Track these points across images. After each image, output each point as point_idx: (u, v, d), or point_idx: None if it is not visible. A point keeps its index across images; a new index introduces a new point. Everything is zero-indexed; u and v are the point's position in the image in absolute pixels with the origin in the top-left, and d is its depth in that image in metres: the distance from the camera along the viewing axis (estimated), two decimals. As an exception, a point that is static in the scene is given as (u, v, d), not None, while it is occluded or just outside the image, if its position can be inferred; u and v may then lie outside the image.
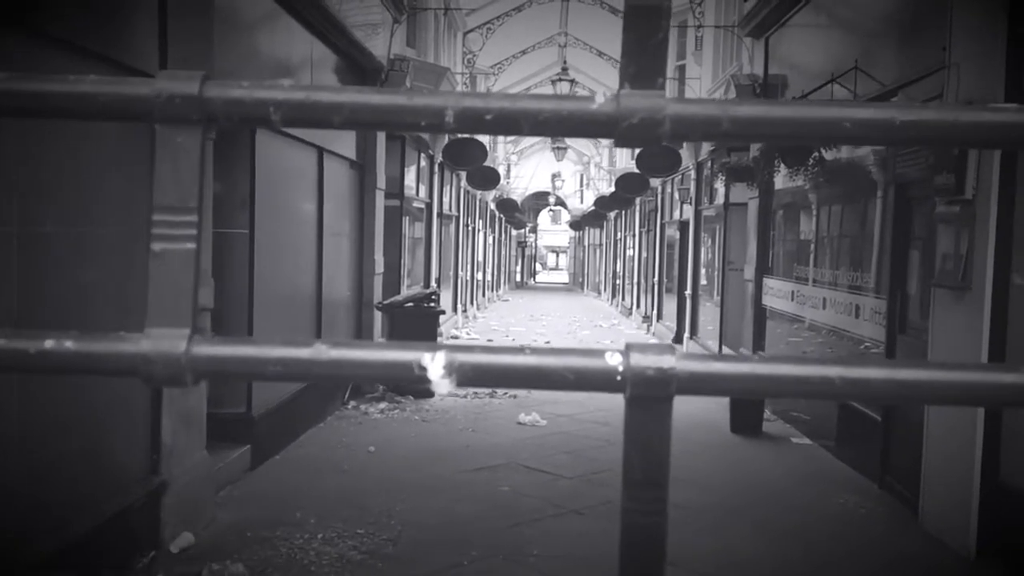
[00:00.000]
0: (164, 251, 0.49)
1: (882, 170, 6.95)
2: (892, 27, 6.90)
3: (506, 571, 4.70)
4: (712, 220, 13.72)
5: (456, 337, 16.25)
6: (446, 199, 16.88)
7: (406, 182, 12.63)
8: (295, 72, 7.51)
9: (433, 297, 11.09)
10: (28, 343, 0.49)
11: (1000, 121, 0.45)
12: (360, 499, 5.75)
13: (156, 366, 0.48)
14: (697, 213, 14.45)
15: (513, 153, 28.41)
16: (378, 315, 10.36)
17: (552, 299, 31.97)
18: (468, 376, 0.48)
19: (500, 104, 0.48)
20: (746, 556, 5.03)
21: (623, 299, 25.84)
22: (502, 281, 33.59)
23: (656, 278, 19.19)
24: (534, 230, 48.96)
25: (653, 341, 16.41)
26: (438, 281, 15.38)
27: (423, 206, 14.61)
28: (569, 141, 25.48)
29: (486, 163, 16.00)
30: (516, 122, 0.48)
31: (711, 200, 13.64)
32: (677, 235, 16.69)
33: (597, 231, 35.73)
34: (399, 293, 11.67)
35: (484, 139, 18.02)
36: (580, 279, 44.13)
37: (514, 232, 39.29)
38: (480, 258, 24.58)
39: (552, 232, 56.34)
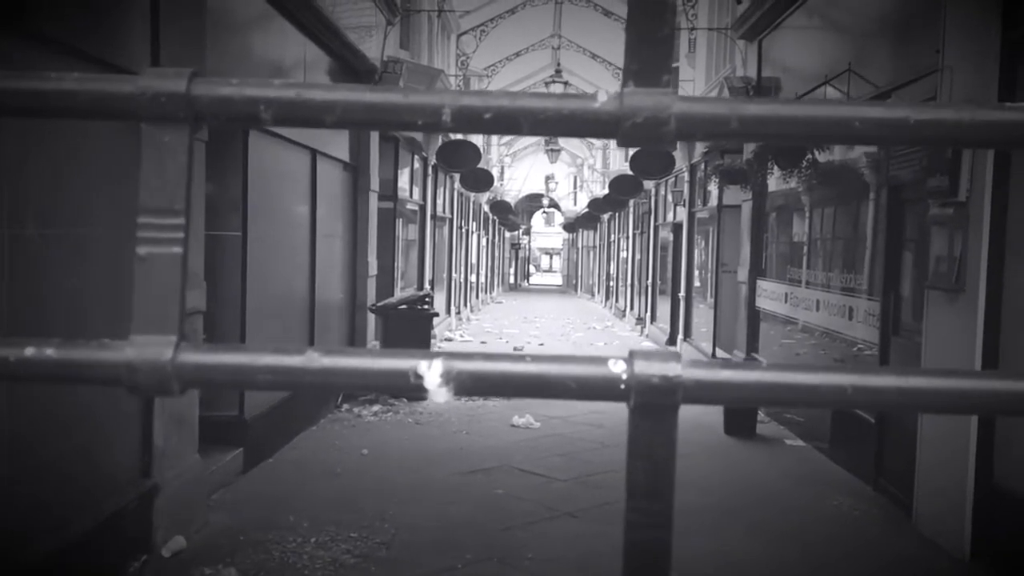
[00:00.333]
0: (150, 255, 0.48)
1: (875, 172, 6.96)
2: (885, 29, 6.91)
3: (500, 574, 4.69)
4: (706, 222, 13.72)
5: (450, 339, 16.22)
6: (440, 201, 16.86)
7: (400, 184, 12.61)
8: (288, 74, 7.48)
9: (427, 299, 11.07)
10: (8, 351, 0.47)
11: (1020, 120, 0.44)
12: (353, 502, 5.72)
13: (141, 375, 0.46)
14: (691, 215, 14.46)
15: (507, 155, 28.41)
16: (372, 317, 10.33)
17: (546, 301, 31.97)
18: (466, 385, 0.46)
19: (499, 102, 0.47)
20: (741, 557, 5.02)
21: (616, 301, 25.84)
22: (496, 283, 33.58)
23: (649, 280, 19.20)
24: (528, 232, 48.97)
25: (647, 343, 16.46)
26: (432, 283, 15.36)
27: (417, 208, 14.59)
28: (563, 143, 25.49)
29: (479, 165, 15.99)
30: (515, 121, 0.46)
31: (704, 202, 13.65)
32: (671, 237, 16.70)
33: (591, 233, 35.75)
34: (393, 295, 11.64)
35: (478, 141, 18.01)
36: (574, 281, 44.14)
37: (508, 234, 39.30)
38: (474, 260, 24.56)
39: (545, 234, 56.36)
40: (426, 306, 10.80)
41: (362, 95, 0.47)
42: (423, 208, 14.89)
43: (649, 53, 0.45)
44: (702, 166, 13.48)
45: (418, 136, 13.38)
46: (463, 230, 21.72)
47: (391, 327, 10.19)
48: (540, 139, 26.30)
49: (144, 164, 0.48)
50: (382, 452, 7.17)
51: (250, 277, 6.58)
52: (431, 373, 0.46)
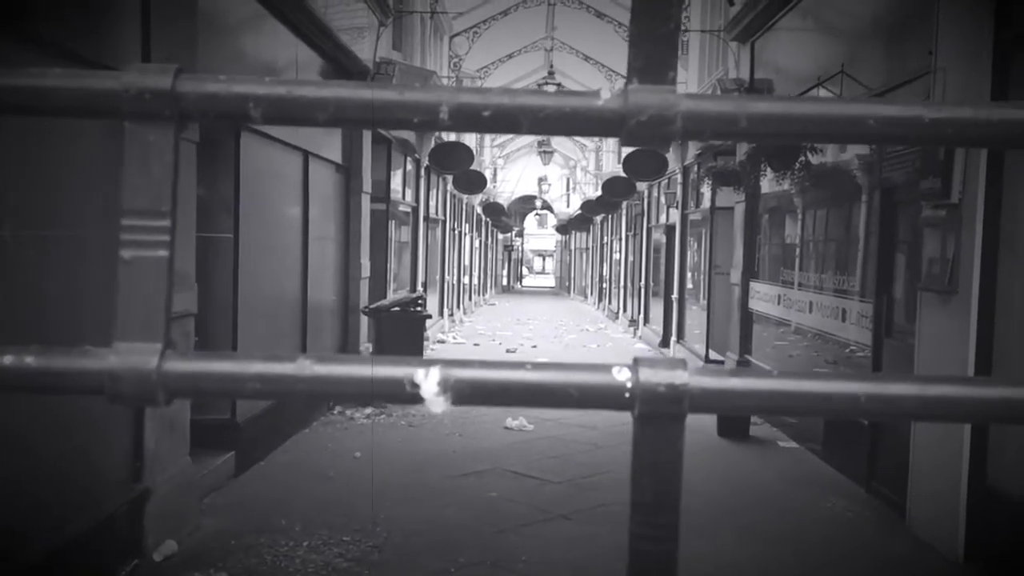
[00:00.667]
0: (134, 258, 0.46)
1: (868, 174, 6.97)
2: (878, 31, 6.92)
3: (494, 578, 4.66)
4: (698, 224, 13.73)
5: (443, 341, 16.20)
6: (432, 203, 16.83)
7: (392, 186, 12.58)
8: (279, 75, 7.45)
9: (420, 301, 11.04)
10: (-14, 359, 0.45)
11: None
12: (346, 505, 5.70)
13: (124, 384, 0.44)
14: (683, 217, 14.47)
15: (499, 157, 28.40)
16: (364, 319, 10.30)
17: (539, 303, 31.95)
18: (465, 394, 0.44)
19: (499, 100, 0.45)
20: (736, 560, 5.01)
21: (609, 303, 25.84)
22: (489, 285, 33.55)
23: (642, 282, 19.20)
24: (520, 234, 48.96)
25: (640, 345, 16.45)
26: (424, 285, 15.33)
27: (409, 210, 14.56)
28: (555, 144, 25.50)
29: (472, 167, 15.98)
30: (515, 119, 0.45)
31: (697, 204, 13.66)
32: (663, 239, 16.71)
33: (583, 235, 35.76)
34: (385, 297, 11.61)
35: (470, 143, 17.99)
36: (567, 283, 44.15)
37: (500, 236, 39.28)
38: (466, 262, 24.54)
39: (538, 236, 56.37)
40: (419, 308, 10.77)
41: (356, 92, 0.45)
42: (416, 210, 14.87)
43: (654, 49, 0.44)
44: (695, 168, 13.49)
45: (411, 138, 13.36)
46: (456, 232, 21.70)
47: (384, 329, 10.16)
48: (533, 141, 26.30)
49: (128, 164, 0.46)
50: (375, 455, 7.14)
51: (242, 279, 6.55)
52: (428, 382, 0.44)
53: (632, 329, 19.58)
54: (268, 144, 7.13)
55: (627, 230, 22.51)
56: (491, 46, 16.15)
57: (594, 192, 24.89)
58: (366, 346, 10.44)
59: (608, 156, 25.39)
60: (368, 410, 8.92)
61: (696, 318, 13.78)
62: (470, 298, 25.53)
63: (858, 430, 6.65)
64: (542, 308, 28.49)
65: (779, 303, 9.05)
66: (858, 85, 6.89)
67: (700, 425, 8.17)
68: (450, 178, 17.60)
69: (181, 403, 5.15)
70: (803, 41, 8.74)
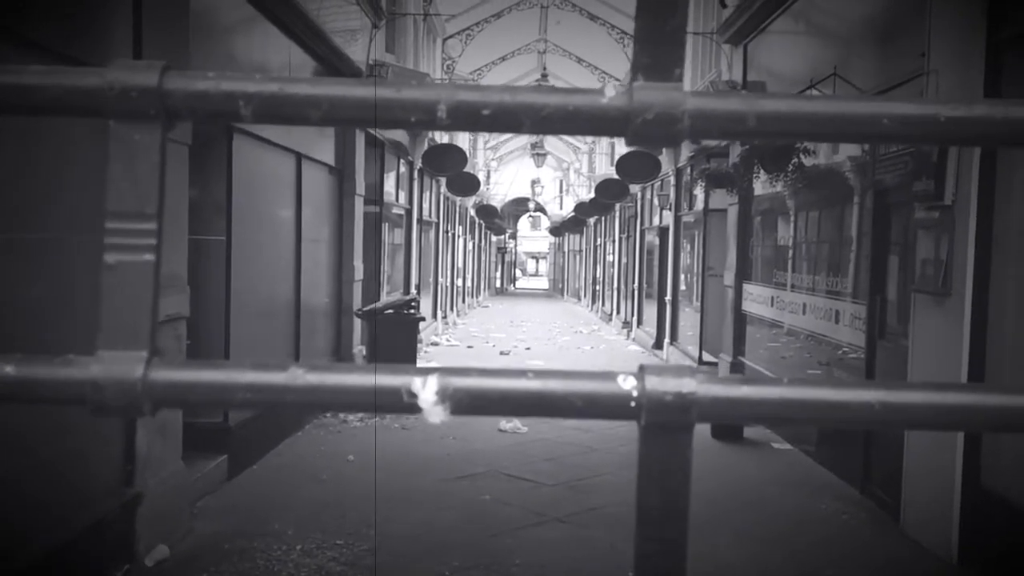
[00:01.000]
0: (119, 263, 0.44)
1: (861, 176, 6.97)
2: (871, 33, 6.93)
3: (488, 582, 4.64)
4: (691, 226, 13.74)
5: (436, 344, 16.17)
6: (426, 205, 16.81)
7: (386, 188, 12.56)
8: (273, 77, 7.41)
9: (413, 304, 11.02)
10: (-36, 368, 0.43)
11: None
12: (339, 509, 5.67)
13: (108, 394, 0.42)
14: (677, 219, 14.48)
15: (493, 159, 28.40)
16: (358, 322, 10.27)
17: (532, 305, 31.94)
18: (464, 403, 0.43)
19: (499, 97, 0.43)
20: (730, 562, 5.00)
21: (603, 305, 25.85)
22: (482, 287, 33.53)
23: (636, 284, 19.21)
24: (514, 236, 48.96)
25: (633, 346, 16.47)
26: (418, 287, 15.30)
27: (403, 212, 14.54)
28: (548, 146, 25.49)
29: (466, 169, 15.96)
30: (516, 118, 0.43)
31: (690, 206, 13.67)
32: (657, 241, 16.71)
33: (577, 237, 35.78)
34: (379, 300, 11.58)
35: (464, 145, 17.97)
36: (560, 285, 44.15)
37: (494, 238, 39.28)
38: (460, 264, 24.53)
39: (532, 238, 56.39)
40: (412, 310, 10.75)
41: (351, 89, 0.44)
42: (409, 212, 14.84)
43: (659, 45, 0.42)
44: (688, 170, 13.50)
45: (404, 140, 13.34)
46: (449, 234, 21.68)
47: (377, 332, 10.13)
48: (526, 143, 26.30)
49: (112, 164, 0.44)
50: (368, 458, 7.11)
51: (235, 282, 6.52)
52: (426, 391, 0.43)
53: (625, 331, 19.59)
54: (261, 146, 7.10)
55: (620, 232, 22.52)
56: (484, 48, 16.15)
57: (587, 194, 24.90)
58: (359, 348, 10.41)
59: (601, 158, 25.41)
60: (361, 412, 8.88)
61: (689, 320, 13.79)
62: (463, 300, 25.51)
63: (852, 432, 6.65)
64: (536, 310, 28.48)
65: (772, 305, 9.05)
66: (851, 87, 6.90)
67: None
68: (443, 180, 17.58)
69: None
70: (796, 43, 8.75)
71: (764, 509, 6.01)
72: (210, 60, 6.00)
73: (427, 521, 5.53)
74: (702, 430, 8.14)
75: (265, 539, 5.05)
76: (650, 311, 17.22)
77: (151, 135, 0.44)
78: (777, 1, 8.68)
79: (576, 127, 0.44)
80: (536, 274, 62.68)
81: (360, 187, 10.30)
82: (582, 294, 33.34)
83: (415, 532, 5.30)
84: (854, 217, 7.12)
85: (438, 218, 18.99)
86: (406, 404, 0.43)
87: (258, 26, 7.03)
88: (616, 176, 16.29)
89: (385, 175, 12.47)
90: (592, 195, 21.47)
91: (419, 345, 12.31)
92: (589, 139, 25.54)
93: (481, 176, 23.51)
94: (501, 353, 15.16)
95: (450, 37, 16.15)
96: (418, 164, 14.70)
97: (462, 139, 19.95)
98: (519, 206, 38.60)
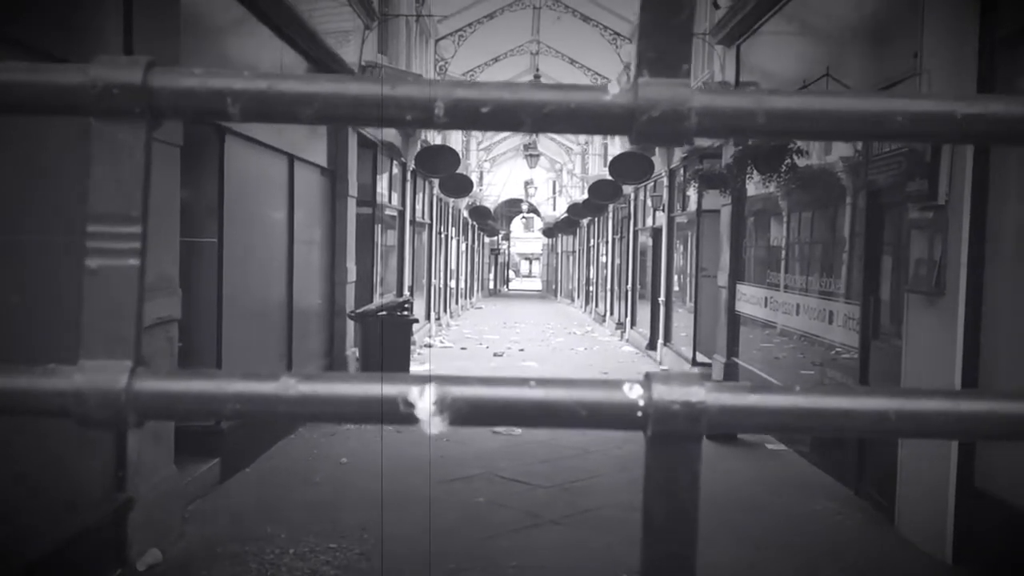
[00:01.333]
0: (102, 268, 0.42)
1: (854, 176, 6.98)
2: (863, 34, 6.93)
3: (483, 584, 4.62)
4: (685, 227, 13.75)
5: (429, 345, 16.14)
6: (419, 207, 16.78)
7: (378, 189, 12.53)
8: (265, 78, 7.38)
9: (406, 305, 11.00)
10: (-59, 378, 0.41)
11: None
12: (333, 512, 5.64)
13: (91, 405, 0.40)
14: (670, 220, 14.48)
15: (486, 160, 28.39)
16: (351, 324, 10.24)
17: (525, 306, 31.93)
18: (463, 413, 0.41)
19: (498, 95, 0.42)
20: (725, 563, 4.98)
21: (596, 306, 25.85)
22: (475, 289, 33.51)
23: (629, 285, 19.21)
24: (507, 237, 48.95)
25: (627, 347, 16.43)
26: (411, 289, 15.28)
27: (396, 214, 14.51)
28: (541, 147, 25.50)
29: (459, 170, 15.94)
30: (516, 116, 0.41)
31: (684, 207, 13.67)
32: (650, 242, 16.72)
33: (570, 238, 35.78)
34: (372, 301, 11.55)
35: (457, 146, 17.95)
36: (553, 286, 44.15)
37: (487, 239, 39.26)
38: (453, 266, 24.51)
39: (525, 239, 56.39)
40: (406, 312, 10.73)
41: (344, 86, 0.42)
42: (402, 214, 14.82)
43: (666, 39, 0.41)
44: (681, 171, 13.51)
45: (397, 141, 13.31)
46: (442, 236, 21.66)
47: (370, 334, 10.10)
48: (519, 144, 26.29)
49: (95, 165, 0.42)
50: (362, 460, 7.09)
51: (227, 284, 6.48)
52: (423, 401, 0.41)
53: (619, 332, 19.59)
54: (253, 147, 7.07)
55: (613, 233, 22.53)
56: (477, 49, 16.14)
57: (580, 195, 24.91)
58: (352, 351, 10.38)
59: (594, 159, 25.42)
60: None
61: (683, 321, 13.79)
62: (457, 302, 25.48)
63: (846, 432, 6.65)
64: (529, 311, 28.46)
65: (766, 305, 9.05)
66: (843, 88, 6.91)
67: (688, 428, 8.16)
68: (436, 182, 17.56)
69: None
70: (788, 44, 8.76)
71: (759, 510, 6.01)
72: (201, 62, 5.97)
73: (421, 523, 5.50)
74: (696, 431, 8.13)
75: (258, 543, 5.02)
76: (643, 312, 17.22)
77: (135, 134, 0.42)
78: (770, 2, 8.69)
79: (578, 125, 0.42)
80: (529, 275, 62.69)
81: (353, 188, 10.27)
82: (575, 295, 33.34)
83: (409, 535, 5.27)
84: (847, 217, 7.13)
85: (431, 219, 18.97)
86: (403, 414, 0.41)
87: (250, 28, 7.00)
88: (609, 177, 16.30)
89: (378, 176, 12.45)
90: (585, 196, 21.48)
91: (412, 347, 12.28)
92: (582, 140, 25.55)
93: (474, 177, 23.50)
94: (495, 355, 15.14)
95: (443, 38, 16.14)
96: (411, 165, 14.67)
97: (455, 140, 19.93)
98: (512, 207, 38.61)
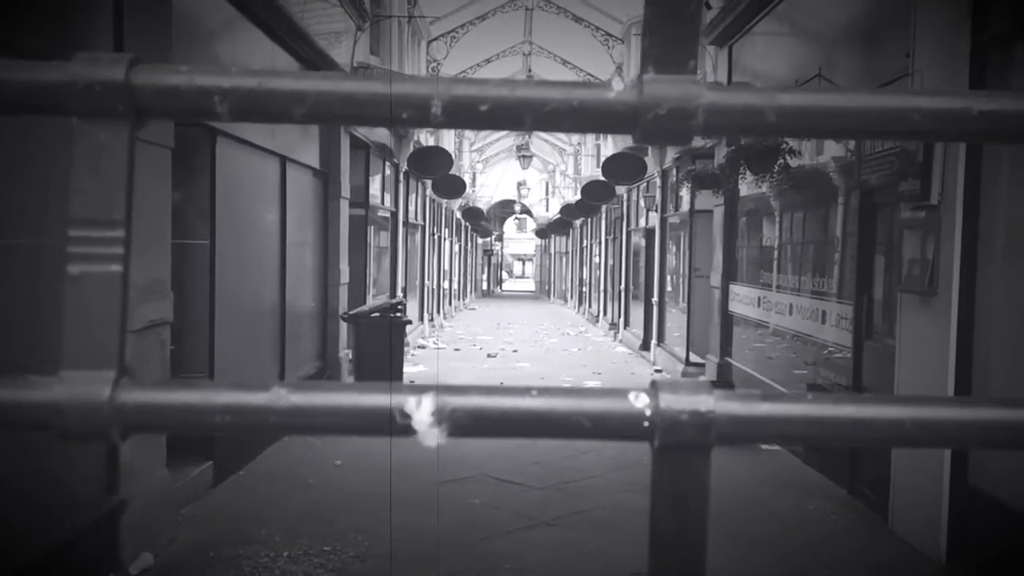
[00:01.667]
0: (84, 274, 0.40)
1: (846, 176, 6.99)
2: (856, 34, 6.94)
3: (477, 587, 4.61)
4: (678, 227, 13.75)
5: (423, 347, 16.11)
6: (412, 208, 16.76)
7: (371, 191, 12.51)
8: (256, 79, 7.35)
9: (399, 307, 10.97)
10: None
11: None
12: (327, 514, 5.62)
13: (72, 418, 0.39)
14: (663, 220, 14.48)
15: (478, 161, 28.37)
16: (344, 325, 10.21)
17: (519, 307, 31.91)
18: (462, 424, 0.39)
19: (497, 92, 0.40)
20: (719, 564, 4.98)
21: (590, 306, 25.85)
22: (469, 290, 33.49)
23: (622, 285, 19.21)
24: (500, 238, 48.93)
25: (620, 348, 16.44)
26: (404, 290, 15.25)
27: (388, 215, 14.48)
28: (534, 148, 25.49)
29: (451, 171, 15.92)
30: (517, 114, 0.40)
31: (677, 207, 13.67)
32: (643, 242, 16.72)
33: (563, 239, 35.79)
34: (365, 303, 11.52)
35: (449, 147, 17.92)
36: (547, 287, 44.15)
37: (480, 240, 39.25)
38: (446, 267, 24.48)
39: (518, 240, 56.40)
40: (399, 314, 10.70)
41: (338, 84, 0.40)
42: (395, 215, 14.79)
43: (672, 34, 0.39)
44: (674, 171, 13.51)
45: (389, 142, 13.29)
46: (435, 237, 21.63)
47: (364, 335, 10.08)
48: (512, 145, 26.28)
49: (76, 167, 0.40)
50: (356, 462, 7.06)
51: (219, 286, 6.45)
52: (420, 412, 0.39)
53: (612, 332, 19.59)
54: (245, 149, 7.04)
55: (606, 234, 22.54)
56: (469, 50, 16.12)
57: (573, 196, 24.91)
58: (346, 352, 10.35)
59: (587, 160, 25.43)
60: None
61: (676, 321, 13.79)
62: (450, 303, 25.46)
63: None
64: (522, 312, 28.45)
65: (759, 305, 9.06)
66: (836, 88, 6.91)
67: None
68: (429, 183, 17.53)
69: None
70: (780, 45, 8.77)
71: (754, 510, 6.00)
72: (192, 62, 5.94)
73: (416, 526, 5.48)
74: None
75: (251, 546, 4.99)
76: (637, 312, 17.23)
77: (118, 134, 0.40)
78: (762, 2, 8.69)
79: (581, 124, 0.40)
80: (523, 276, 62.69)
81: (345, 190, 10.24)
82: (569, 296, 33.34)
83: (404, 537, 5.25)
84: (840, 217, 7.14)
85: (424, 221, 18.94)
86: (399, 426, 0.39)
87: (241, 28, 6.97)
88: (602, 178, 16.30)
89: (370, 178, 12.42)
90: (578, 197, 21.48)
91: (406, 348, 12.26)
92: (575, 141, 25.55)
93: (467, 178, 23.49)
94: (489, 355, 15.12)
95: (435, 39, 16.11)
96: (404, 167, 14.65)
97: (448, 141, 19.92)
98: (505, 208, 38.59)
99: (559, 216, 28.57)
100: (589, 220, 25.65)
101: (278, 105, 0.40)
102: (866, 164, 6.39)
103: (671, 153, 13.05)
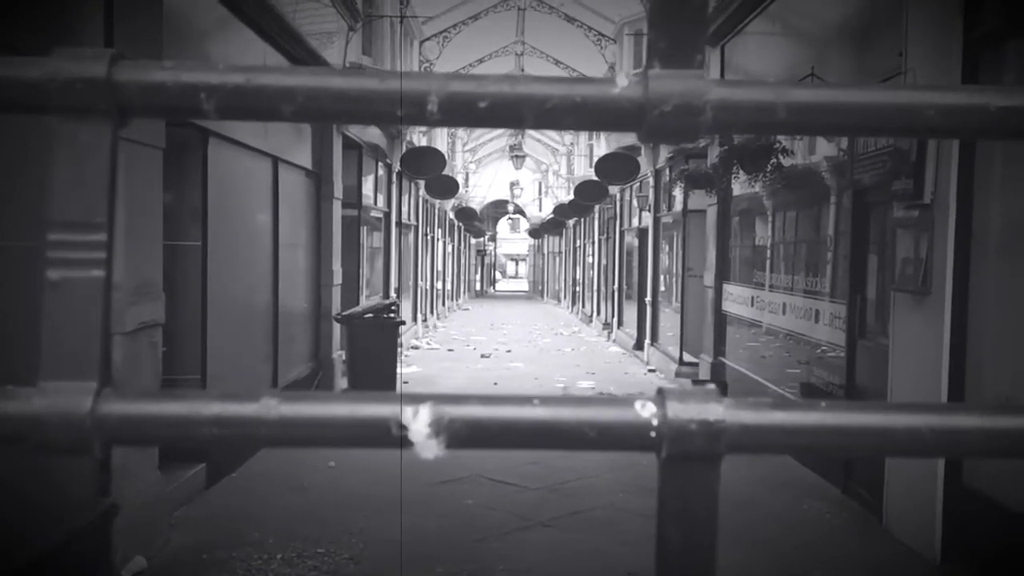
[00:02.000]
0: (64, 280, 0.38)
1: (839, 175, 6.99)
2: (848, 33, 6.95)
3: (472, 588, 4.59)
4: (671, 227, 13.75)
5: (416, 347, 16.09)
6: (405, 208, 16.73)
7: (364, 191, 12.47)
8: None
9: (393, 307, 10.95)
10: None
11: None
12: (321, 516, 5.59)
13: (52, 431, 0.37)
14: (656, 220, 14.49)
15: (471, 161, 28.35)
16: (337, 326, 10.18)
17: (512, 307, 31.90)
18: (461, 436, 0.38)
19: (496, 88, 0.38)
20: (718, 564, 4.97)
21: (583, 306, 25.85)
22: (462, 290, 33.47)
23: (616, 285, 19.22)
24: (493, 238, 48.92)
25: (614, 348, 16.42)
26: (397, 291, 15.22)
27: (381, 215, 14.45)
28: (527, 148, 25.48)
29: (444, 172, 15.89)
30: (517, 111, 0.38)
31: (670, 207, 13.68)
32: (636, 242, 16.73)
33: (556, 239, 35.79)
34: (358, 304, 11.49)
35: (442, 147, 17.90)
36: (540, 287, 44.15)
37: (473, 241, 39.23)
38: (440, 267, 24.46)
39: (511, 240, 56.39)
40: (392, 314, 10.68)
41: (329, 80, 0.38)
42: (388, 216, 14.76)
43: (679, 28, 0.37)
44: (667, 171, 13.51)
45: (382, 143, 13.25)
46: (429, 237, 21.60)
47: (357, 336, 10.05)
48: (505, 145, 26.26)
49: (56, 168, 0.38)
50: (350, 464, 7.03)
51: (211, 287, 6.42)
52: (417, 422, 0.38)
53: (606, 332, 19.59)
54: (237, 149, 7.01)
55: (600, 233, 22.54)
56: (462, 50, 16.10)
57: (566, 196, 24.91)
58: (339, 353, 10.32)
59: (580, 160, 25.43)
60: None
61: (670, 320, 13.80)
62: (444, 303, 25.43)
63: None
64: (516, 312, 28.44)
65: (752, 305, 9.06)
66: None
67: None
68: (422, 183, 17.50)
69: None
70: (773, 44, 8.78)
71: (750, 510, 5.99)
72: (184, 63, 5.90)
73: (410, 527, 5.46)
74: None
75: (244, 549, 4.96)
76: (630, 312, 17.23)
77: (100, 133, 0.38)
78: (754, 2, 8.70)
79: (584, 121, 0.39)
80: (516, 276, 62.68)
81: (338, 190, 10.21)
82: (562, 296, 33.34)
83: (398, 538, 5.23)
84: (833, 217, 7.14)
85: (417, 221, 18.91)
86: (395, 438, 0.38)
87: (233, 29, 6.94)
88: (595, 178, 16.30)
89: (363, 178, 12.39)
90: (571, 197, 21.48)
91: (399, 349, 12.23)
92: (568, 141, 25.54)
93: (460, 178, 23.46)
94: (482, 356, 15.10)
95: (427, 40, 16.09)
96: (396, 167, 14.62)
97: (440, 141, 19.89)
98: (498, 208, 38.59)
99: (552, 216, 28.56)
100: (582, 220, 25.65)
101: (267, 102, 0.38)
102: (859, 163, 6.39)
103: (664, 153, 13.06)
